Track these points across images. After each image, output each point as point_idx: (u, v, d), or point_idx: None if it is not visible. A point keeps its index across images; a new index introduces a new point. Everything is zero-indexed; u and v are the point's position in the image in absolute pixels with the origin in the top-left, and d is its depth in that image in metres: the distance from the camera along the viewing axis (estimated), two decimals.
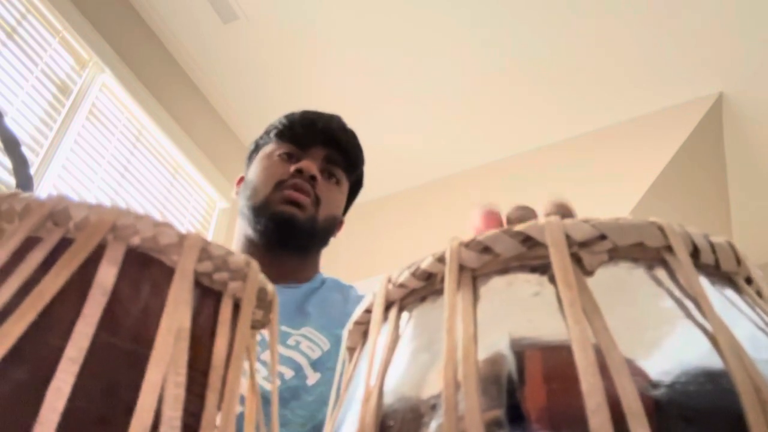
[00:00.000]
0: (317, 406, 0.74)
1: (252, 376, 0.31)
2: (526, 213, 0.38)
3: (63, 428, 0.22)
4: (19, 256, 0.25)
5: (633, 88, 2.54)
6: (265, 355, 0.73)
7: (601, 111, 2.64)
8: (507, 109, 2.69)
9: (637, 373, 0.20)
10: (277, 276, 0.89)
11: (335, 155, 0.94)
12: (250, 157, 0.99)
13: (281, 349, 0.78)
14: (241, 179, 1.00)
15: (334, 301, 0.89)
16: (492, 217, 0.40)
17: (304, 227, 0.88)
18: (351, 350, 0.32)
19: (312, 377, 0.77)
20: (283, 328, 0.81)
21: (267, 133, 0.98)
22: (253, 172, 0.94)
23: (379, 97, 2.69)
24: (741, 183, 2.81)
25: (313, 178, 0.89)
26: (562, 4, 2.31)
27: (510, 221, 0.39)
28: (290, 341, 0.80)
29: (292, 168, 0.90)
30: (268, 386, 0.67)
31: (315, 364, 0.78)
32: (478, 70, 2.56)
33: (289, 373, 0.76)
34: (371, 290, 0.31)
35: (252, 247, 0.90)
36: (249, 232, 0.90)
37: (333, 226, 0.94)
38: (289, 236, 0.88)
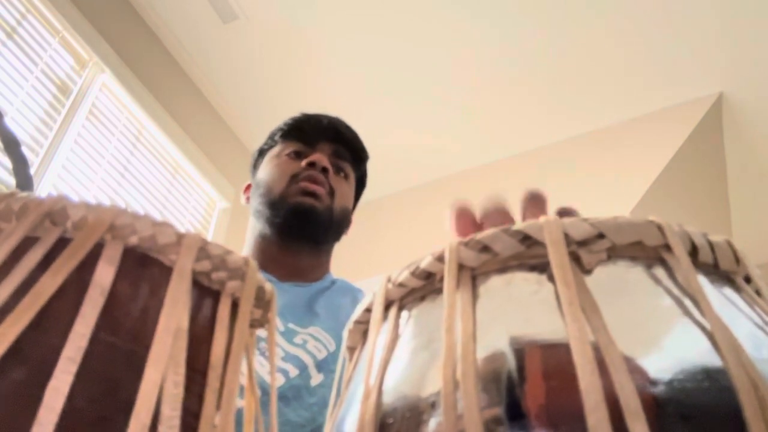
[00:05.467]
0: (319, 409, 0.74)
1: (250, 375, 0.31)
2: (498, 206, 0.35)
3: (61, 428, 0.22)
4: (16, 255, 0.25)
5: (633, 88, 2.54)
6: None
7: (601, 111, 2.64)
8: (507, 109, 2.69)
9: (635, 370, 0.20)
10: (289, 273, 0.90)
11: (342, 150, 0.96)
12: (255, 165, 1.00)
13: (288, 346, 0.79)
14: (248, 187, 1.01)
15: (343, 304, 0.89)
16: (464, 217, 0.37)
17: (323, 217, 0.89)
18: (351, 350, 0.32)
19: (316, 378, 0.77)
20: (291, 325, 0.82)
21: (271, 137, 0.99)
22: (264, 172, 0.95)
23: (379, 97, 2.69)
24: (741, 183, 2.81)
25: (325, 170, 0.91)
26: (563, 4, 2.31)
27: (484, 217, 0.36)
28: (297, 339, 0.80)
29: (304, 162, 0.91)
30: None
31: (320, 365, 0.78)
32: (478, 70, 2.56)
33: (293, 371, 0.76)
34: (371, 290, 0.31)
35: (267, 245, 0.91)
36: (265, 228, 0.90)
37: (346, 219, 0.95)
38: (308, 227, 0.89)
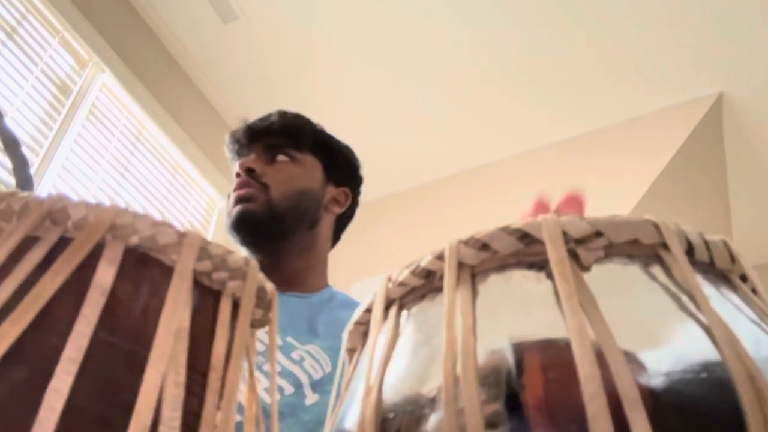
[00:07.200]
0: (313, 427, 0.74)
1: (251, 375, 0.31)
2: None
3: (62, 428, 0.22)
4: (17, 255, 0.25)
5: (633, 88, 2.54)
6: (267, 366, 0.73)
7: (600, 111, 2.64)
8: (507, 109, 2.69)
9: (633, 364, 0.20)
10: (283, 283, 0.88)
11: (272, 140, 0.93)
12: None
13: (284, 361, 0.78)
14: None
15: (344, 317, 0.88)
16: (541, 207, 0.43)
17: (260, 214, 0.87)
18: (351, 351, 0.32)
19: (310, 398, 0.76)
20: (289, 339, 0.81)
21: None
22: None
23: (379, 97, 2.69)
24: (741, 183, 2.81)
25: (250, 170, 0.89)
26: (563, 4, 2.31)
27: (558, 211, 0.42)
28: (294, 355, 0.79)
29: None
30: (268, 399, 0.67)
31: (315, 385, 0.77)
32: (478, 70, 2.56)
33: (289, 388, 0.76)
34: (371, 290, 0.31)
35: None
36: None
37: (302, 200, 0.92)
38: (251, 230, 0.87)
